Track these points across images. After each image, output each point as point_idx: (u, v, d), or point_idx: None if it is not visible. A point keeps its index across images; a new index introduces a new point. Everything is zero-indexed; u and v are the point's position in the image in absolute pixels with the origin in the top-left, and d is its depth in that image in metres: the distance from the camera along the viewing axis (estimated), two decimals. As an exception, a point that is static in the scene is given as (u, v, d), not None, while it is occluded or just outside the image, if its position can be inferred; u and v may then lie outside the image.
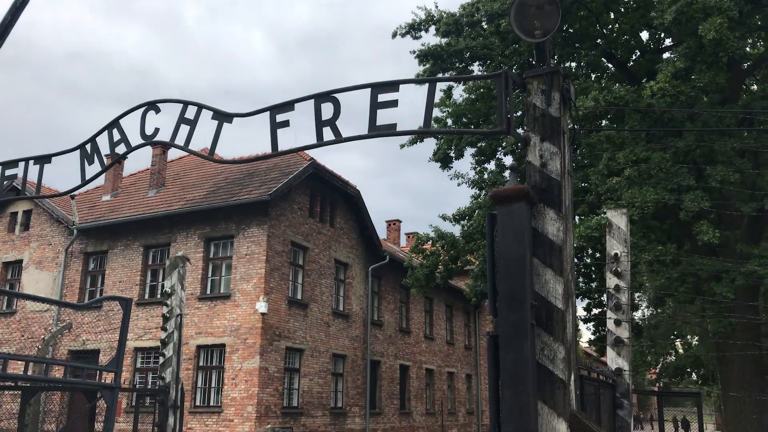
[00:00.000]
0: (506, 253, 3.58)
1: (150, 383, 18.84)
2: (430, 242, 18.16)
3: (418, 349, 29.56)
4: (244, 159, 4.96)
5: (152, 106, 5.00)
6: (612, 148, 14.54)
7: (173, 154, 26.14)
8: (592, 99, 13.72)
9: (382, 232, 37.99)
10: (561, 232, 3.68)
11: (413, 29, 17.95)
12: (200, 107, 4.80)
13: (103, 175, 25.84)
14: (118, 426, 16.03)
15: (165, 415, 8.50)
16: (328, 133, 4.33)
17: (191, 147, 4.82)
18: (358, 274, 25.10)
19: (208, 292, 20.37)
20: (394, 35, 18.18)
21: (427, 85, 4.11)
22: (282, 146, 4.48)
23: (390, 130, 4.12)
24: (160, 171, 24.46)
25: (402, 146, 18.40)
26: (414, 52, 17.94)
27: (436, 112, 19.96)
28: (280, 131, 4.46)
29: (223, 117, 4.70)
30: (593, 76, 18.17)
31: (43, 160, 5.44)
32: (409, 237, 43.78)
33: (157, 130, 4.97)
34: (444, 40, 17.65)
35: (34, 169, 5.50)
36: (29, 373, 7.23)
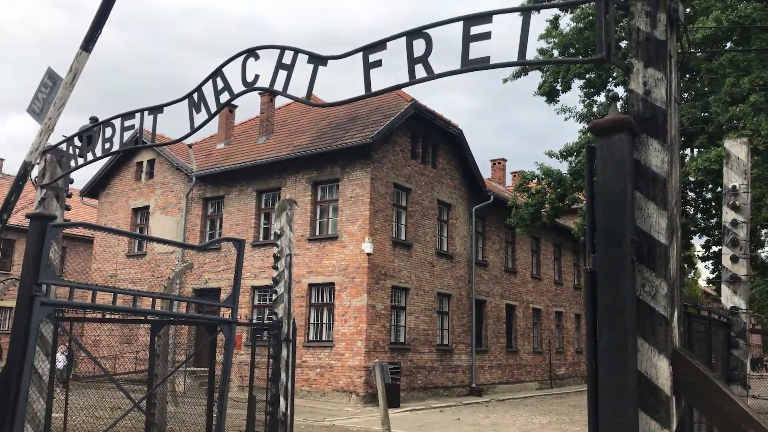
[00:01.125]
0: (605, 187, 3.46)
1: (266, 319, 20.01)
2: (535, 180, 17.72)
3: (525, 289, 29.36)
4: (339, 102, 4.92)
5: (251, 53, 5.14)
6: (736, 72, 13.38)
7: (280, 101, 26.89)
8: (714, 19, 12.60)
9: (486, 171, 37.48)
10: (665, 164, 3.50)
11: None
12: (296, 51, 4.88)
13: (216, 124, 27.12)
14: (239, 357, 17.28)
15: (278, 348, 9.04)
16: (420, 71, 4.28)
17: (290, 92, 4.93)
18: (462, 214, 25.05)
19: (317, 233, 21.12)
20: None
21: (520, 14, 3.96)
22: (375, 87, 4.49)
23: (483, 64, 4.02)
24: (269, 118, 25.26)
25: (505, 81, 17.89)
26: None
27: (542, 44, 19.14)
28: (373, 71, 4.46)
29: (318, 60, 4.77)
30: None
31: (156, 110, 5.77)
32: (514, 176, 42.93)
33: (257, 76, 5.11)
34: None
35: (149, 120, 5.86)
36: (157, 308, 7.90)
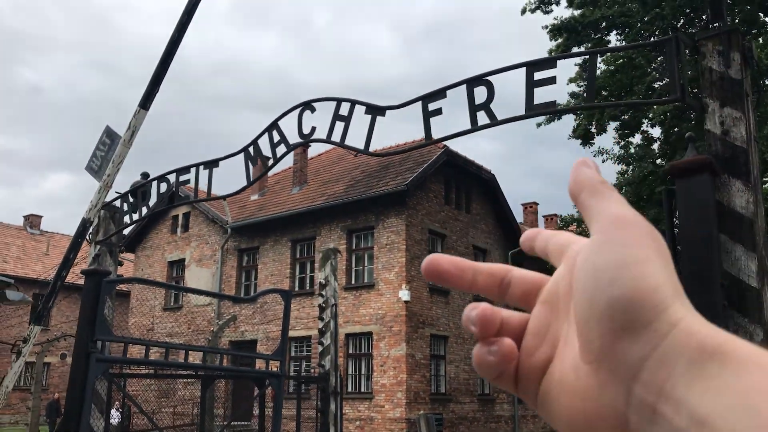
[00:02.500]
0: (689, 230, 3.34)
1: (303, 370, 19.77)
2: (575, 223, 17.49)
3: (564, 334, 28.67)
4: (399, 149, 4.90)
5: (307, 105, 5.19)
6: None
7: (312, 151, 27.24)
8: None
9: (518, 216, 37.20)
10: (750, 204, 3.37)
11: (543, 3, 17.38)
12: (353, 103, 4.91)
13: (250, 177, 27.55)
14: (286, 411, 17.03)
15: (326, 401, 8.88)
16: (482, 117, 4.26)
17: (347, 142, 4.94)
18: (497, 259, 24.76)
19: (353, 281, 21.02)
20: (523, 11, 17.70)
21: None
22: (435, 134, 4.47)
23: (549, 108, 3.98)
24: (302, 169, 25.56)
25: (538, 125, 17.85)
26: (546, 27, 17.33)
27: (572, 87, 19.14)
28: (432, 120, 4.46)
29: (376, 111, 4.78)
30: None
31: (211, 164, 5.83)
32: (547, 219, 42.52)
33: (313, 128, 5.15)
34: (578, 12, 16.90)
35: (203, 174, 5.91)
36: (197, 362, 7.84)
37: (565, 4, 17.18)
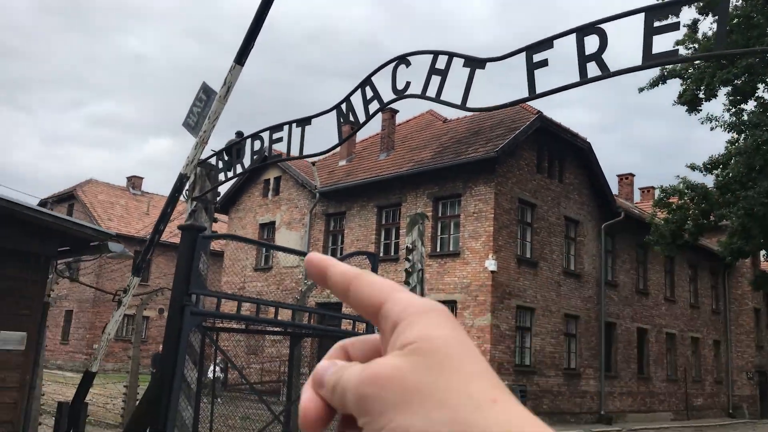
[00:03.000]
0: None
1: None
2: (677, 195, 16.49)
3: (657, 312, 27.49)
4: (499, 105, 4.59)
5: (402, 60, 4.99)
6: None
7: (400, 117, 27.05)
8: None
9: (612, 187, 35.69)
10: None
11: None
12: (451, 55, 4.66)
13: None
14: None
15: (412, 366, 8.83)
16: (592, 69, 3.92)
17: (443, 98, 4.72)
18: (590, 231, 23.90)
19: (438, 249, 20.86)
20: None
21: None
22: (539, 89, 4.17)
23: (670, 58, 3.60)
24: (390, 135, 25.45)
25: (641, 90, 16.85)
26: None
27: (680, 50, 17.87)
28: (537, 72, 4.15)
29: (475, 63, 4.52)
30: None
31: (304, 122, 5.77)
32: (643, 192, 40.62)
33: (408, 83, 4.95)
34: None
35: (296, 132, 5.85)
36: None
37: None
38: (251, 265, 26.67)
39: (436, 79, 4.75)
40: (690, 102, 16.48)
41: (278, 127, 5.95)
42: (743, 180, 14.36)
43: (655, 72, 17.75)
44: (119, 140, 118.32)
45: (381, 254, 22.47)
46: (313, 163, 28.36)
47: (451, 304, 19.91)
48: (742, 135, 15.23)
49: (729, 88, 16.16)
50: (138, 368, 13.00)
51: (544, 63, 4.14)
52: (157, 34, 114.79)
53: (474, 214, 19.96)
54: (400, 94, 5.01)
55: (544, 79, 4.30)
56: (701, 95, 16.54)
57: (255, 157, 6.15)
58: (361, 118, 5.28)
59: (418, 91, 4.85)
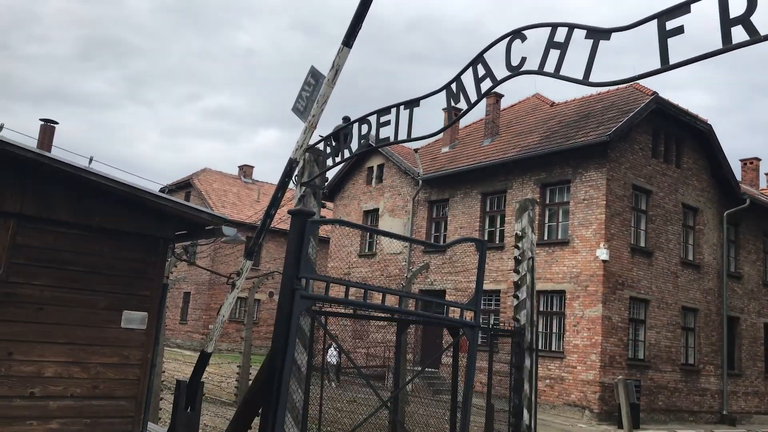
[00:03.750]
0: None
1: (491, 324, 19.58)
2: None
3: (788, 307, 25.32)
4: (626, 79, 4.20)
5: (517, 34, 4.72)
6: None
7: (505, 102, 26.39)
8: None
9: (735, 173, 33.17)
10: None
11: None
12: (571, 27, 4.35)
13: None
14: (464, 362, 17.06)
15: (521, 357, 8.54)
16: (738, 34, 3.50)
17: (563, 73, 4.41)
18: (711, 220, 22.32)
19: (546, 237, 20.19)
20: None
21: None
22: (672, 59, 3.78)
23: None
24: (494, 120, 24.90)
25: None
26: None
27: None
28: (671, 41, 3.77)
29: (598, 34, 4.19)
30: None
31: (412, 104, 5.62)
32: (771, 177, 37.57)
33: (523, 59, 4.68)
34: None
35: (404, 115, 5.72)
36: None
37: None
38: (356, 251, 27.04)
39: (554, 54, 4.45)
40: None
41: (386, 110, 5.84)
42: None
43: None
44: (231, 132, 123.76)
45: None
46: (416, 150, 28.28)
47: (560, 294, 19.25)
48: None
49: None
50: (250, 349, 13.47)
51: (679, 30, 3.75)
52: (266, 29, 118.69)
53: (584, 200, 19.13)
54: (515, 71, 4.74)
55: (676, 51, 3.91)
56: None
57: (362, 141, 6.08)
58: (473, 97, 5.06)
59: (535, 67, 4.57)
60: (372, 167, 27.47)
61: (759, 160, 34.93)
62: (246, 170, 44.26)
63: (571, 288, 18.81)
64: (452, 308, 8.43)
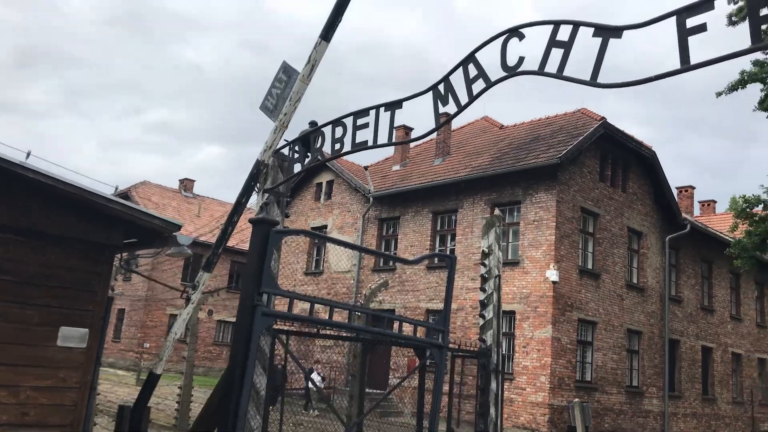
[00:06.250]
0: None
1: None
2: (760, 206, 15.39)
3: (723, 330, 26.08)
4: (642, 80, 3.89)
5: (514, 32, 4.40)
6: None
7: (456, 123, 26.44)
8: None
9: (673, 199, 34.26)
10: None
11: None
12: (576, 25, 4.06)
13: (392, 147, 27.23)
14: (414, 382, 16.62)
15: (487, 379, 8.19)
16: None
17: (567, 73, 4.11)
18: (654, 244, 22.78)
19: (496, 258, 20.06)
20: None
21: None
22: (694, 59, 3.51)
23: None
24: (445, 140, 24.86)
25: (719, 94, 15.83)
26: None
27: (758, 56, 16.70)
28: (691, 39, 3.51)
29: (608, 32, 3.90)
30: None
31: (394, 106, 5.23)
32: (703, 205, 39.08)
33: (521, 59, 4.37)
34: None
35: (384, 117, 5.32)
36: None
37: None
38: (302, 269, 26.35)
39: (557, 53, 4.15)
40: (773, 107, 15.38)
41: (364, 112, 5.42)
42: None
43: (734, 76, 16.61)
44: (173, 146, 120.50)
45: (435, 261, 21.83)
46: (366, 167, 27.94)
47: (509, 315, 19.12)
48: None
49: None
50: (192, 370, 12.66)
51: (701, 28, 3.50)
52: (213, 45, 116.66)
53: (534, 221, 19.16)
54: (512, 71, 4.42)
55: (699, 47, 3.66)
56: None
57: (337, 147, 5.63)
58: (464, 99, 4.70)
59: (535, 67, 4.26)
60: (321, 183, 26.95)
61: (693, 188, 36.28)
62: (187, 184, 42.89)
63: (521, 309, 18.72)
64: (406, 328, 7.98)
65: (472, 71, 4.67)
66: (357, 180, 25.03)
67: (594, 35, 3.96)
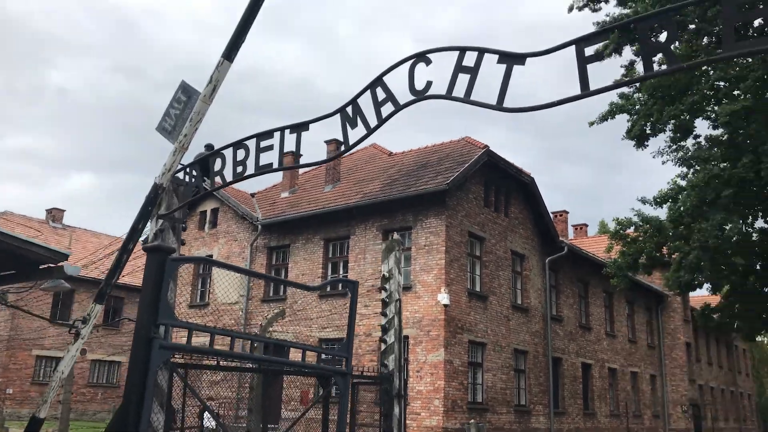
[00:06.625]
0: None
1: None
2: (631, 228, 16.62)
3: (600, 347, 27.75)
4: (544, 104, 4.06)
5: (421, 57, 4.48)
6: None
7: (345, 149, 26.57)
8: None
9: (549, 223, 36.35)
10: None
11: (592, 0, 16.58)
12: (481, 51, 4.20)
13: (280, 173, 26.82)
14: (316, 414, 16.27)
15: (390, 405, 8.15)
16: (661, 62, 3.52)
17: (474, 98, 4.22)
18: (535, 266, 23.94)
19: (388, 284, 20.24)
20: (570, 9, 16.92)
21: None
22: (593, 84, 3.73)
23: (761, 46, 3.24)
24: (335, 167, 24.92)
25: (591, 124, 16.99)
26: (597, 23, 16.49)
27: (614, 95, 18.06)
28: (590, 67, 3.73)
29: (512, 59, 4.06)
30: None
31: (299, 128, 5.14)
32: (576, 229, 41.74)
33: (429, 83, 4.44)
34: (628, 11, 15.92)
35: (290, 139, 5.22)
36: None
37: (615, 2, 16.30)
38: (186, 301, 25.21)
39: (463, 78, 4.26)
40: (638, 137, 16.73)
41: (268, 134, 5.28)
42: (695, 213, 14.59)
43: (604, 106, 17.96)
44: (38, 175, 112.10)
45: (328, 289, 21.67)
46: (253, 195, 27.41)
47: (403, 340, 19.24)
48: (691, 169, 15.55)
49: (672, 124, 16.44)
50: (69, 413, 11.65)
51: (597, 57, 3.72)
52: (82, 68, 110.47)
53: (425, 246, 19.55)
54: (420, 95, 4.49)
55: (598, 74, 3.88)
56: (648, 131, 16.83)
57: (239, 170, 5.44)
58: (372, 122, 4.71)
59: (443, 91, 4.35)
60: (205, 211, 26.07)
61: (567, 212, 38.74)
62: (56, 214, 39.97)
63: (414, 333, 18.94)
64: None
65: (381, 94, 4.70)
66: (244, 207, 24.46)
67: (499, 62, 4.10)
